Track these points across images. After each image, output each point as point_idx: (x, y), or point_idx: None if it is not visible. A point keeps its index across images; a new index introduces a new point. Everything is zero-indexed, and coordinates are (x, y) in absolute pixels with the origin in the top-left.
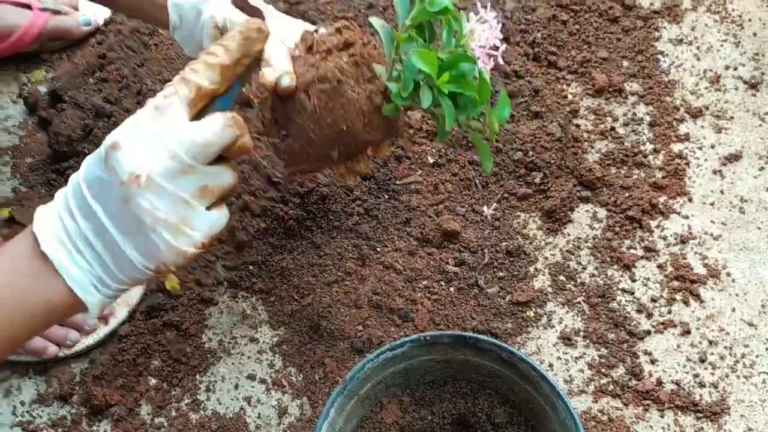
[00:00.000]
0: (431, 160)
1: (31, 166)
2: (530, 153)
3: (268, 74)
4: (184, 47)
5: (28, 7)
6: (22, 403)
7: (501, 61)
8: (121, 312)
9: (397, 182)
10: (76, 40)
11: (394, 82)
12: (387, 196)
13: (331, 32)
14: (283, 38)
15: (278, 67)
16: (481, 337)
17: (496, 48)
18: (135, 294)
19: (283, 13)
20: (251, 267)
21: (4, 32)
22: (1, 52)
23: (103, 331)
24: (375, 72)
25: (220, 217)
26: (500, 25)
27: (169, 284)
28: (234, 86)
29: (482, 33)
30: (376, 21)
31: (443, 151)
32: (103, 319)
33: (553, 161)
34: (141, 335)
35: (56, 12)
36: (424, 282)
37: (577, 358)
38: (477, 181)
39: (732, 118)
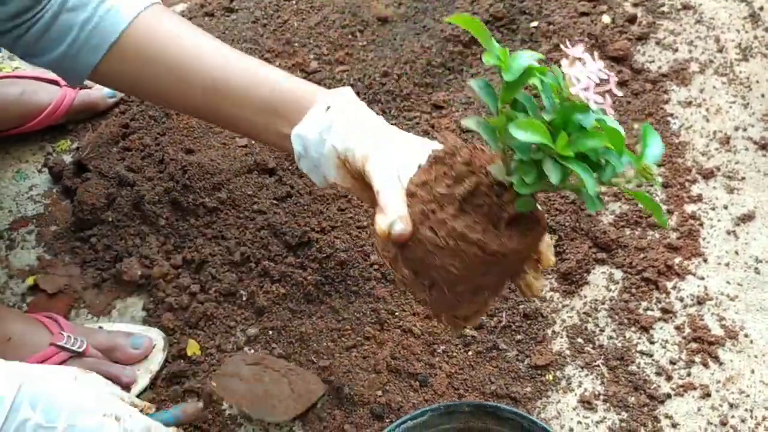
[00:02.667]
0: None
1: (56, 234)
2: (545, 216)
3: (380, 222)
4: (311, 177)
5: (57, 83)
6: None
7: (617, 92)
8: (143, 379)
9: None
10: (101, 111)
11: (515, 174)
12: None
13: (440, 154)
14: (401, 169)
15: (390, 213)
16: (502, 405)
17: (604, 80)
18: (156, 361)
19: (403, 133)
20: (271, 332)
21: (35, 110)
22: (31, 127)
23: None
24: (493, 174)
25: None
26: (595, 54)
27: (190, 350)
28: None
29: (580, 72)
30: (470, 121)
31: None
32: (125, 387)
33: (567, 224)
34: (162, 402)
35: (83, 87)
36: (443, 346)
37: (597, 422)
38: None
39: (743, 178)
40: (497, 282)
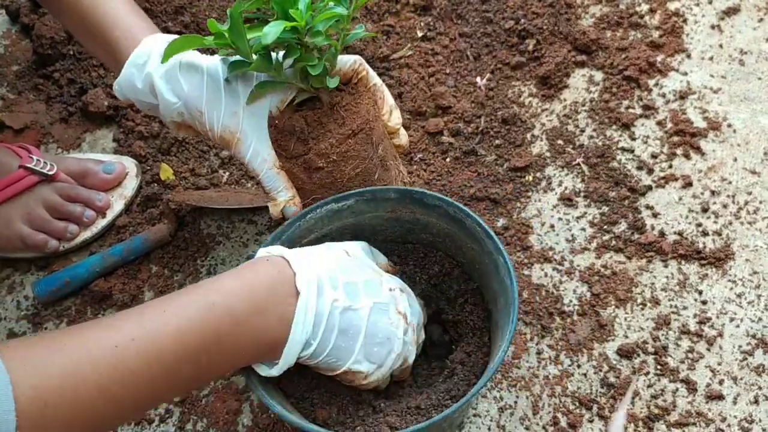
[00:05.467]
0: (420, 34)
1: (18, 73)
2: (522, 21)
3: (273, 212)
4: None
5: None
6: (26, 298)
7: None
8: (117, 204)
9: (387, 57)
10: None
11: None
12: (377, 72)
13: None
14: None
15: (279, 200)
16: (428, 192)
17: None
18: (130, 187)
19: None
20: None
21: None
22: None
23: (101, 223)
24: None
25: None
26: None
27: (164, 175)
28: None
29: None
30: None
31: (432, 24)
32: (99, 211)
33: (546, 27)
34: (139, 225)
35: None
36: (420, 155)
37: (578, 217)
38: (468, 53)
39: None
40: (386, 151)
